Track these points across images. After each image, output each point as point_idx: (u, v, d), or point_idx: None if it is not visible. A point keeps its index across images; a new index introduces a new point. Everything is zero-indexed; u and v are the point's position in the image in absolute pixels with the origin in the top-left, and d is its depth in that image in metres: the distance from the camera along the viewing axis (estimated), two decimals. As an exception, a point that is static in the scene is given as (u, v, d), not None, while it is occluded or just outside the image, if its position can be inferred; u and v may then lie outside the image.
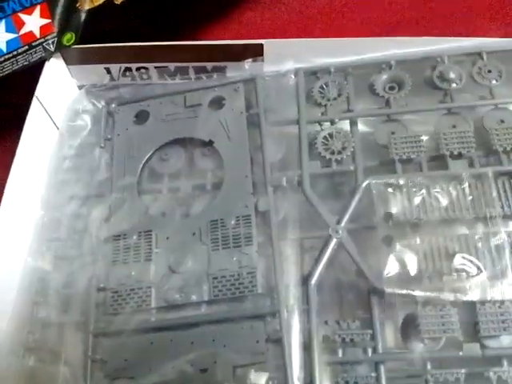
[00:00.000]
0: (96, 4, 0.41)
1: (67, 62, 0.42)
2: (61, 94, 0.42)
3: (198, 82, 0.42)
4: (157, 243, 0.35)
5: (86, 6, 0.41)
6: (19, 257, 0.36)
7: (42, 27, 0.39)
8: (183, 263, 0.34)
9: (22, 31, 0.39)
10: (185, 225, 0.35)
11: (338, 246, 0.32)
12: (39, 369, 0.33)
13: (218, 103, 0.39)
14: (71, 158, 0.40)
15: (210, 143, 0.38)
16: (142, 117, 0.40)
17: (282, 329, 0.30)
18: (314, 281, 0.31)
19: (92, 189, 0.38)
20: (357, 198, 0.33)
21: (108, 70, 0.42)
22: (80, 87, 0.43)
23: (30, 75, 0.40)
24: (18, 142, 0.38)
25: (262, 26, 0.51)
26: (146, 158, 0.38)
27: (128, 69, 0.42)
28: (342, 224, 0.32)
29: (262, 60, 0.40)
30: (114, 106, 0.41)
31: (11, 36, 0.38)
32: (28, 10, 0.38)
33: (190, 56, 0.41)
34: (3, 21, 0.38)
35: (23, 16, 0.38)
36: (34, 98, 0.39)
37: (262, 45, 0.39)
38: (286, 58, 0.39)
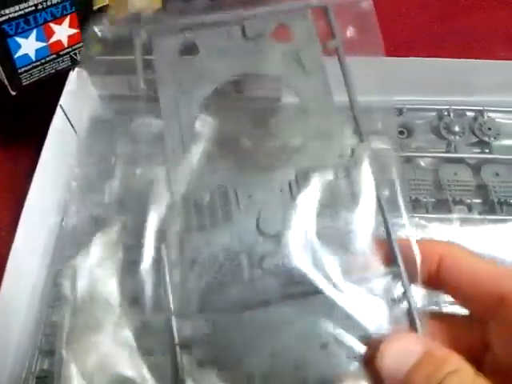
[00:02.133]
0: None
1: (90, 72, 0.42)
2: (82, 102, 0.43)
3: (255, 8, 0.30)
4: (238, 202, 0.27)
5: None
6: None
7: (69, 37, 0.40)
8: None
9: (51, 40, 0.39)
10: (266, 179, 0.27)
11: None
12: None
13: (283, 33, 0.31)
14: (91, 164, 0.41)
15: (279, 80, 0.30)
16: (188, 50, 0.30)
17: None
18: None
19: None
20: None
21: (130, 82, 0.43)
22: (101, 97, 0.44)
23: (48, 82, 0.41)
24: (39, 147, 0.38)
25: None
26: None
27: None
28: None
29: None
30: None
31: (40, 45, 0.39)
32: (59, 20, 0.39)
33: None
34: (34, 30, 0.38)
35: (54, 26, 0.39)
36: (58, 107, 0.40)
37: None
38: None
